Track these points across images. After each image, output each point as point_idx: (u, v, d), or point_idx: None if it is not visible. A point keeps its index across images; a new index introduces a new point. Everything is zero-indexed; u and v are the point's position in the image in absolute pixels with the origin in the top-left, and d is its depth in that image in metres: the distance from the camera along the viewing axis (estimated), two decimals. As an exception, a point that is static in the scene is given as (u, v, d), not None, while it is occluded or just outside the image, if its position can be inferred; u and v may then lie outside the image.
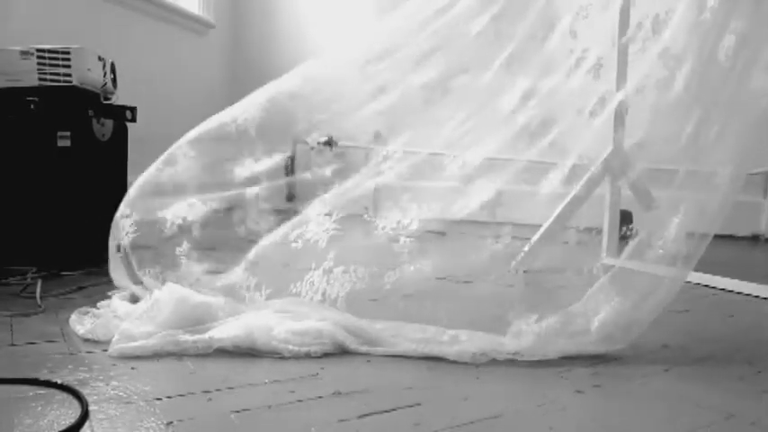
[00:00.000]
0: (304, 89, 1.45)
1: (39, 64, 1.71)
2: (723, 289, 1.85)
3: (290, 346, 1.13)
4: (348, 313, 1.24)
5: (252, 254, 1.34)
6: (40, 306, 1.36)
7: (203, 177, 1.41)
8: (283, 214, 1.38)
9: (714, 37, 1.35)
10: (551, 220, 1.88)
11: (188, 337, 1.12)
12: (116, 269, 1.43)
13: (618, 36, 1.92)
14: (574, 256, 1.42)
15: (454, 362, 1.13)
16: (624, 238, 2.07)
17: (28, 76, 1.71)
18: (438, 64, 1.53)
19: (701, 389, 1.04)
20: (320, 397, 0.95)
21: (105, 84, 1.86)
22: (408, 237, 1.29)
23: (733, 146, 1.26)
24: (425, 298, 1.30)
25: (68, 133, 1.73)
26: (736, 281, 1.85)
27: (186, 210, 1.39)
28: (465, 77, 1.59)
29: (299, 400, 0.93)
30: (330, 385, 0.99)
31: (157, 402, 0.90)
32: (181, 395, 0.93)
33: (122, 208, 1.42)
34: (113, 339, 1.10)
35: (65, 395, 0.90)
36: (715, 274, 1.88)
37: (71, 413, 0.84)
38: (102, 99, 1.85)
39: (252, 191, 1.41)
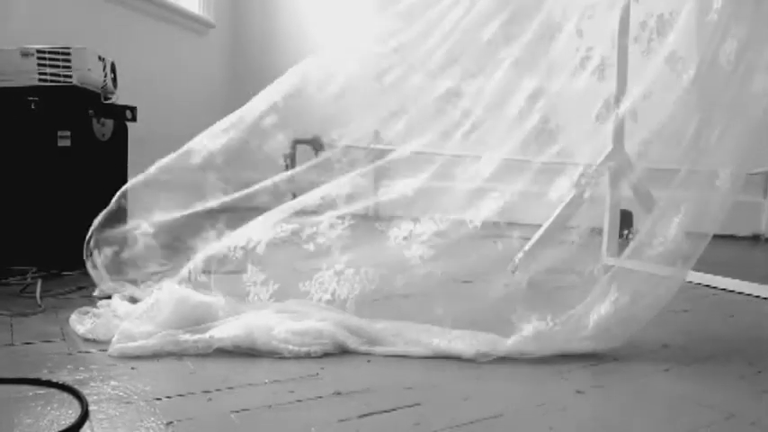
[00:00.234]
0: (307, 89, 1.46)
1: (39, 64, 1.71)
2: (723, 289, 1.85)
3: (291, 346, 1.13)
4: (355, 315, 1.25)
5: (262, 247, 1.34)
6: (39, 306, 1.36)
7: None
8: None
9: (718, 40, 1.35)
10: (551, 220, 1.88)
11: (188, 337, 1.12)
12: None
13: (618, 35, 1.92)
14: (575, 257, 1.42)
15: (455, 362, 1.13)
16: (624, 238, 2.08)
17: (28, 75, 1.71)
18: (453, 74, 1.55)
19: (700, 389, 1.04)
20: (320, 397, 0.95)
21: (105, 83, 1.86)
22: (420, 244, 1.31)
23: (734, 147, 1.26)
24: (426, 298, 1.30)
25: (68, 133, 1.73)
26: (736, 281, 1.85)
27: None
28: (476, 82, 1.60)
29: (299, 400, 0.93)
30: (330, 385, 0.99)
31: (157, 402, 0.90)
32: (181, 395, 0.93)
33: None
34: (113, 339, 1.10)
35: (65, 395, 0.90)
36: (715, 274, 1.88)
37: (71, 413, 0.84)
38: (102, 99, 1.85)
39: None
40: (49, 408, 0.86)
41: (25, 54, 1.71)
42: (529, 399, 0.98)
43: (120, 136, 1.97)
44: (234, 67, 3.80)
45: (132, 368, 1.03)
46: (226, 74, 3.74)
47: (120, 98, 1.95)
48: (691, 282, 1.89)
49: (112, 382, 0.96)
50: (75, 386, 0.92)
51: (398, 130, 1.51)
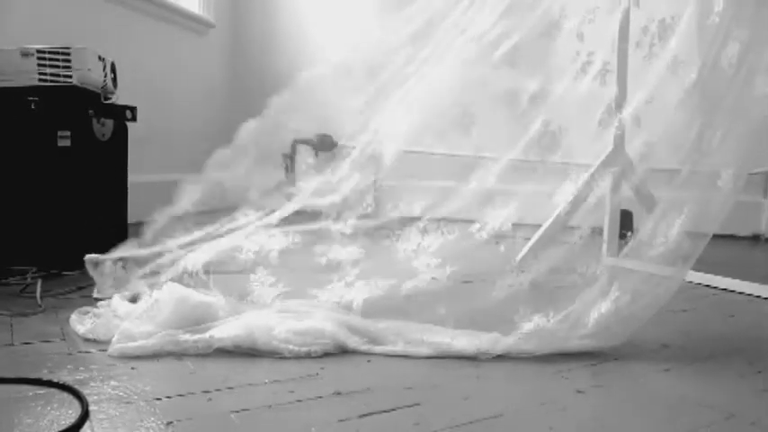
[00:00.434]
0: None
1: (39, 64, 1.71)
2: (723, 289, 1.85)
3: (291, 346, 1.13)
4: (360, 317, 1.26)
5: (275, 254, 1.37)
6: (39, 306, 1.36)
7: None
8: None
9: (719, 43, 1.35)
10: (551, 220, 1.88)
11: (188, 337, 1.12)
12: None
13: (618, 40, 1.92)
14: (577, 257, 1.42)
15: (455, 361, 1.13)
16: (624, 238, 2.08)
17: (28, 75, 1.71)
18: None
19: (700, 389, 1.04)
20: (320, 397, 0.95)
21: (105, 83, 1.86)
22: (428, 255, 1.33)
23: (736, 149, 1.26)
24: (430, 298, 1.31)
25: (68, 133, 1.73)
26: (736, 281, 1.85)
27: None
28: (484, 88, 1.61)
29: (299, 400, 0.93)
30: (330, 385, 0.99)
31: (157, 402, 0.90)
32: (181, 395, 0.93)
33: None
34: (113, 339, 1.10)
35: (65, 395, 0.90)
36: (715, 273, 1.88)
37: (71, 413, 0.84)
38: (102, 99, 1.85)
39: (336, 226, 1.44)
40: (49, 408, 0.86)
41: (25, 54, 1.71)
42: (529, 398, 0.98)
43: (120, 136, 1.97)
44: (234, 66, 3.79)
45: (132, 368, 1.03)
46: (226, 74, 3.74)
47: (120, 98, 1.95)
48: (691, 282, 1.89)
49: (112, 382, 0.96)
50: (76, 386, 0.92)
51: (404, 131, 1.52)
